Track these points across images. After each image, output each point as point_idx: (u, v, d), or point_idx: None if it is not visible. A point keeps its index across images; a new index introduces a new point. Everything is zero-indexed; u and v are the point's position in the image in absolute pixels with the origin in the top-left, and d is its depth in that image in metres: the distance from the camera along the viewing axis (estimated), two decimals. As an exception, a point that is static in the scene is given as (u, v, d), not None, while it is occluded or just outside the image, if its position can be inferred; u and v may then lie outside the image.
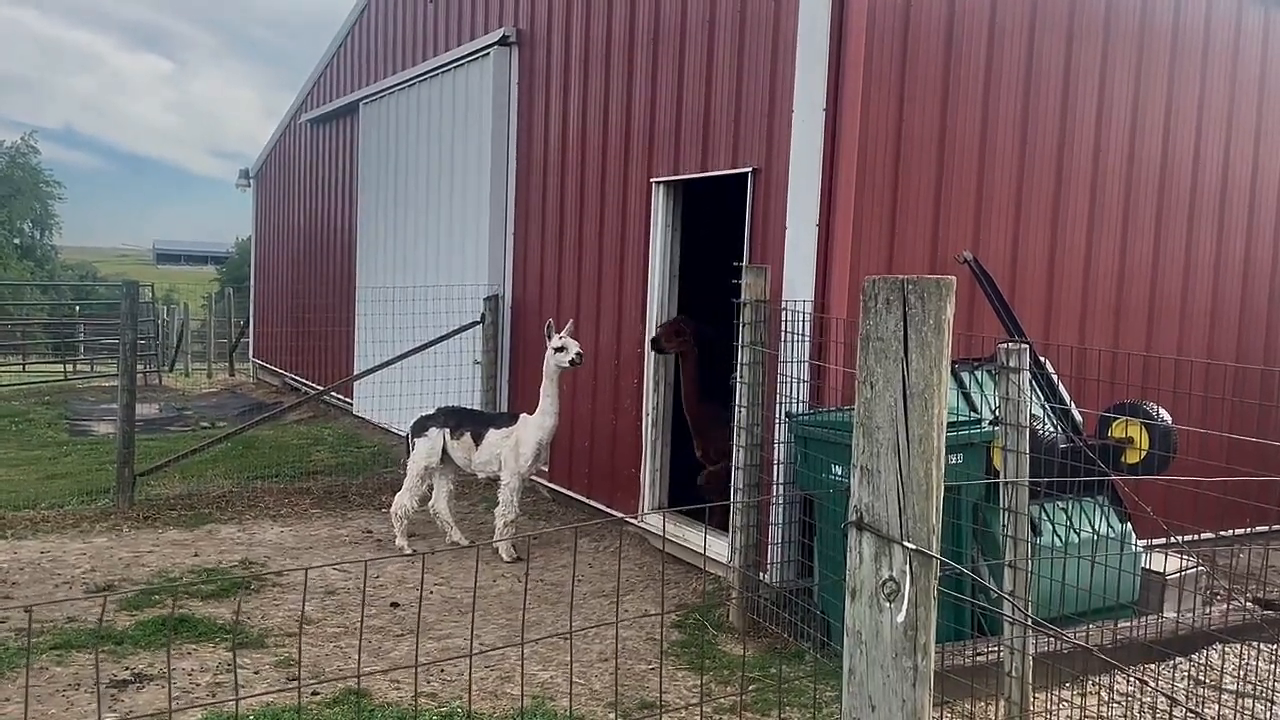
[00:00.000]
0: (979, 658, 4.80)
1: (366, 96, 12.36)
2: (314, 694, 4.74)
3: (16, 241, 60.62)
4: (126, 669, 4.95)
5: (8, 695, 4.61)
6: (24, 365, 21.70)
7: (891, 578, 1.43)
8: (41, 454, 10.78)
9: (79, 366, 22.27)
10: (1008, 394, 4.12)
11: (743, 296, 5.87)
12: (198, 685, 4.83)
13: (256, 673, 5.01)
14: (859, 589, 1.48)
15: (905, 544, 1.41)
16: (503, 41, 9.13)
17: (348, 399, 12.54)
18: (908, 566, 1.41)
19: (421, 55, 11.16)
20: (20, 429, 12.83)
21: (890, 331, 1.42)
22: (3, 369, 20.92)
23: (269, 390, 16.76)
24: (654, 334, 7.07)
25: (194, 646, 5.28)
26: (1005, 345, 4.23)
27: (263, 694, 4.65)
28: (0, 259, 55.53)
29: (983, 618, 5.10)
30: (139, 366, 21.19)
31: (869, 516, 1.46)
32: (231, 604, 5.95)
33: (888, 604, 1.43)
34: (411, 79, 11.06)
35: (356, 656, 5.23)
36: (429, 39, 11.12)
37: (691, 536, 6.89)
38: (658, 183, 7.23)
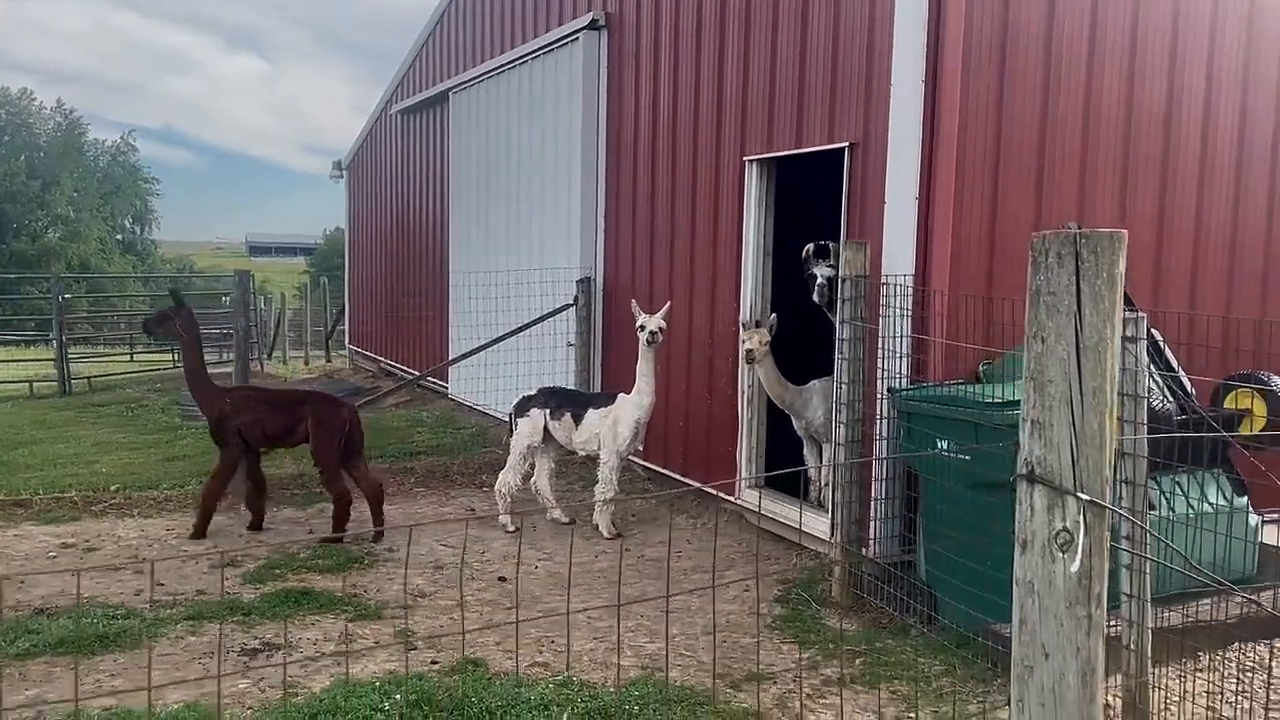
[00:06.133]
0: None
1: (456, 85, 12.58)
2: (432, 663, 4.92)
3: (119, 237, 63.22)
4: (255, 638, 5.19)
5: (147, 662, 4.88)
6: (131, 355, 22.61)
7: (1065, 528, 1.47)
8: (159, 438, 11.26)
9: (178, 354, 23.09)
10: (1124, 364, 4.05)
11: (841, 272, 5.87)
12: (322, 654, 5.04)
13: (376, 642, 5.21)
14: (1030, 540, 1.52)
15: (1079, 495, 1.44)
16: (592, 25, 9.21)
17: (443, 382, 12.82)
18: (1081, 517, 1.45)
19: (509, 43, 11.31)
20: (135, 414, 13.42)
21: (1062, 286, 1.45)
22: (112, 359, 21.84)
23: (365, 375, 17.21)
24: (146, 316, 8.02)
25: (316, 617, 5.52)
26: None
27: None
28: (105, 253, 58.01)
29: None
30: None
31: (1041, 469, 1.49)
32: (348, 578, 6.19)
33: (1061, 554, 1.47)
34: (500, 66, 11.23)
35: (471, 628, 5.40)
36: (517, 26, 11.26)
37: (790, 513, 6.92)
38: (751, 161, 7.24)
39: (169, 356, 22.19)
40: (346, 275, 19.37)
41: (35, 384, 16.35)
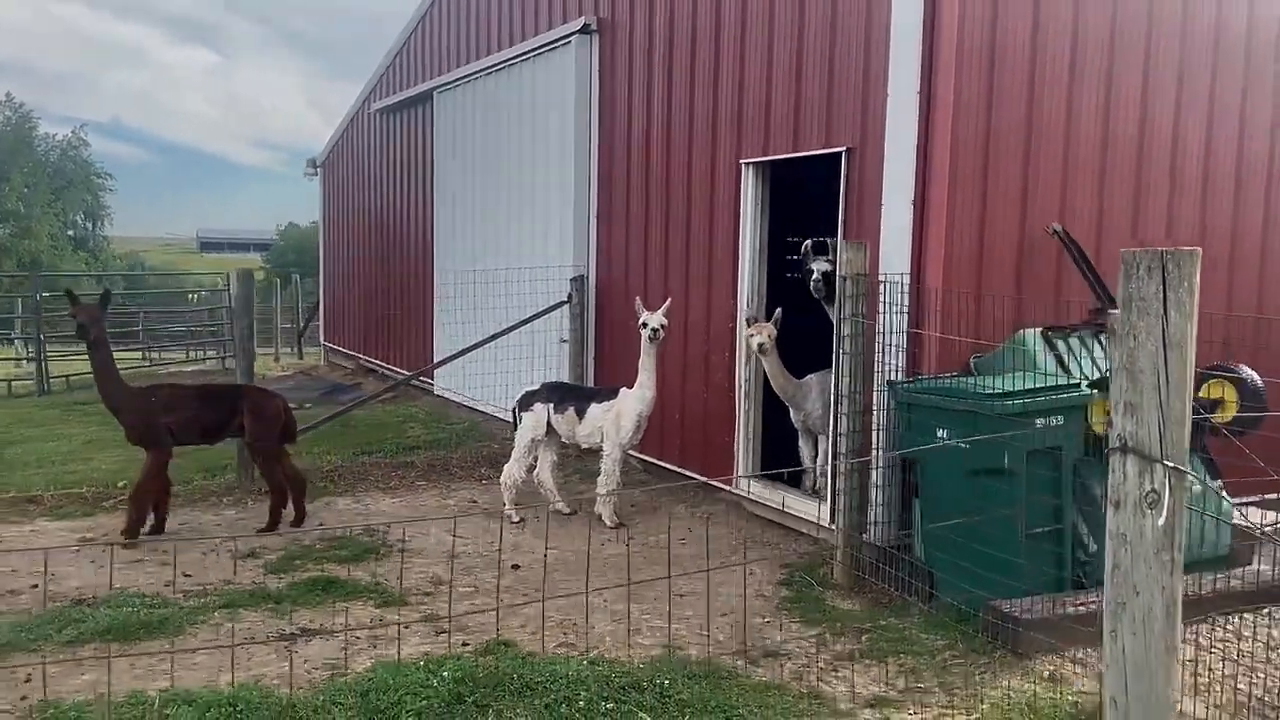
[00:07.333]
0: (1080, 608, 5.10)
1: (441, 85, 12.74)
2: (464, 644, 5.17)
3: (71, 233, 62.10)
4: (292, 624, 5.40)
5: (192, 648, 5.07)
6: (98, 353, 22.36)
7: (1153, 489, 1.82)
8: (148, 436, 11.32)
9: (148, 354, 22.96)
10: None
11: (841, 271, 6.19)
12: (358, 638, 5.26)
13: (407, 626, 5.44)
14: (1123, 500, 1.88)
15: (1165, 462, 1.78)
16: (584, 30, 9.45)
17: (428, 378, 12.98)
18: (1167, 480, 1.79)
19: (497, 44, 11.51)
20: (119, 413, 13.39)
21: (1152, 293, 1.79)
22: (79, 357, 21.61)
23: (344, 373, 17.29)
24: (79, 320, 6.99)
25: (345, 604, 5.73)
26: (1115, 313, 4.51)
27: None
28: (57, 250, 56.97)
29: (1082, 571, 5.40)
30: (211, 353, 21.88)
31: (1133, 442, 1.85)
32: (368, 567, 6.40)
33: (1149, 511, 1.82)
34: (489, 67, 11.42)
35: (494, 612, 5.65)
36: (504, 29, 11.45)
37: (788, 501, 7.24)
38: (747, 164, 7.54)
39: (138, 354, 22.09)
40: (320, 272, 19.41)
41: (12, 383, 16.23)
